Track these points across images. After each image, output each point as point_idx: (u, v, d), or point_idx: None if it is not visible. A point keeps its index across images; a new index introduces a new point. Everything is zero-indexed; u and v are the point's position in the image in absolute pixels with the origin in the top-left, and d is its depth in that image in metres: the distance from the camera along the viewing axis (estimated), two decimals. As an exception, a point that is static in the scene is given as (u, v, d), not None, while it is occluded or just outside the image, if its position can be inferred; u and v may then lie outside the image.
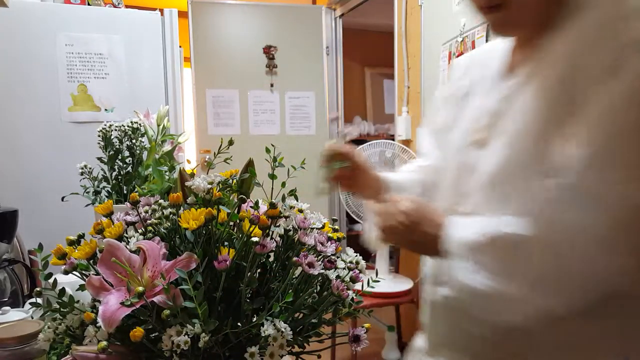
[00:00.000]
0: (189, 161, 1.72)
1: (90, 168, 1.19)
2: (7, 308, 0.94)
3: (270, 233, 0.52)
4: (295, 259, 0.48)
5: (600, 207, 0.54)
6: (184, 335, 0.43)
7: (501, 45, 0.74)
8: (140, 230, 0.54)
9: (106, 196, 1.19)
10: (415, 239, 0.64)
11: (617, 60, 0.53)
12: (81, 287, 0.49)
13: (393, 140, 2.62)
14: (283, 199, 0.55)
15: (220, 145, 0.63)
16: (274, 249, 0.49)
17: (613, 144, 0.54)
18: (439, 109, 0.84)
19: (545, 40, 0.63)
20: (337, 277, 0.52)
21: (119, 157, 1.21)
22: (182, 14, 2.76)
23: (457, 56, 2.30)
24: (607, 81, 0.54)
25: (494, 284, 0.58)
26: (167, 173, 1.11)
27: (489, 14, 0.65)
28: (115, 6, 2.44)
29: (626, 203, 0.53)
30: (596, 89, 0.55)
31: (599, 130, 0.54)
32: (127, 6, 2.50)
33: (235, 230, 0.52)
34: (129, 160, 1.23)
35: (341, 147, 0.83)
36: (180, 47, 2.44)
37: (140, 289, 0.43)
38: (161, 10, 2.34)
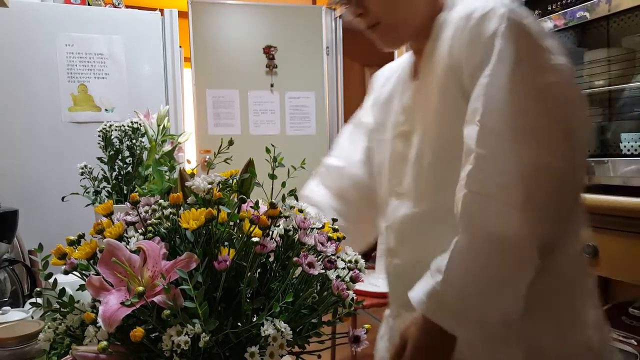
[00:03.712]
0: (189, 161, 1.72)
1: (90, 168, 1.19)
2: (7, 308, 0.94)
3: (270, 233, 0.51)
4: (295, 259, 0.48)
5: (507, 181, 0.63)
6: (184, 335, 0.42)
7: (408, 59, 0.93)
8: (140, 230, 0.54)
9: (106, 196, 1.19)
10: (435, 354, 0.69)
11: (487, 50, 0.68)
12: (81, 287, 0.49)
13: (393, 140, 2.62)
14: (283, 199, 0.55)
15: (220, 145, 0.63)
16: (274, 249, 0.49)
17: (500, 116, 0.65)
18: (368, 112, 1.00)
19: (428, 48, 0.80)
20: (337, 277, 0.52)
21: (119, 157, 1.21)
22: (182, 14, 2.76)
23: (457, 56, 2.30)
24: (485, 66, 0.67)
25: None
26: (167, 173, 1.11)
27: (372, 34, 0.83)
28: (115, 6, 2.44)
29: (528, 167, 0.63)
30: (479, 74, 0.68)
31: (486, 106, 0.66)
32: (127, 6, 2.50)
33: (235, 230, 0.52)
34: (129, 160, 1.23)
35: None
36: (180, 47, 2.44)
37: (140, 289, 0.43)
38: (161, 10, 2.34)
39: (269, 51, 3.73)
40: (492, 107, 0.65)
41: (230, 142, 0.64)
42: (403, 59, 0.96)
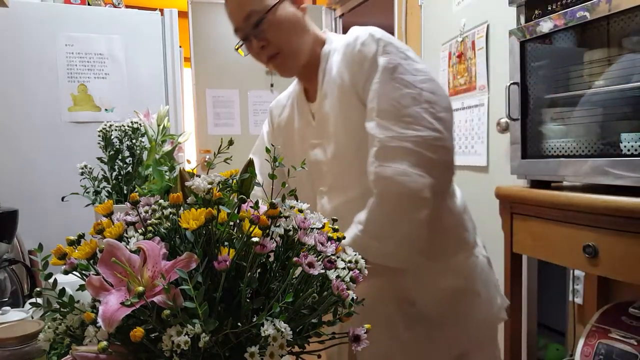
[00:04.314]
0: (189, 161, 1.72)
1: (90, 168, 1.19)
2: (7, 308, 0.94)
3: (270, 233, 0.51)
4: (295, 259, 0.48)
5: (402, 152, 0.88)
6: (184, 335, 0.42)
7: (296, 87, 1.13)
8: (140, 230, 0.53)
9: (106, 196, 1.19)
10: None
11: (371, 68, 0.93)
12: (81, 287, 0.49)
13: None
14: (283, 199, 0.55)
15: (220, 145, 0.63)
16: (274, 249, 0.49)
17: (389, 109, 0.90)
18: (266, 139, 1.21)
19: (320, 74, 1.02)
20: (337, 277, 0.52)
21: (119, 157, 1.21)
22: (182, 14, 2.76)
23: (457, 56, 2.31)
24: (371, 80, 0.93)
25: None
26: (167, 173, 1.11)
27: (273, 62, 1.01)
28: (115, 6, 2.44)
29: (414, 140, 0.88)
30: (367, 86, 0.93)
31: (379, 104, 0.91)
32: (127, 6, 2.50)
33: (235, 231, 0.52)
34: (129, 160, 1.23)
35: None
36: (180, 47, 2.44)
37: (140, 289, 0.43)
38: (161, 10, 2.34)
39: (269, 51, 3.72)
40: (383, 104, 0.91)
41: (230, 142, 0.64)
42: (292, 88, 1.17)
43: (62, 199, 1.17)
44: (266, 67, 1.04)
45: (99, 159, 1.20)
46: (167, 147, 1.21)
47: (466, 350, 1.03)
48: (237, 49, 1.04)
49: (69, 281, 0.55)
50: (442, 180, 0.92)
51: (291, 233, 0.53)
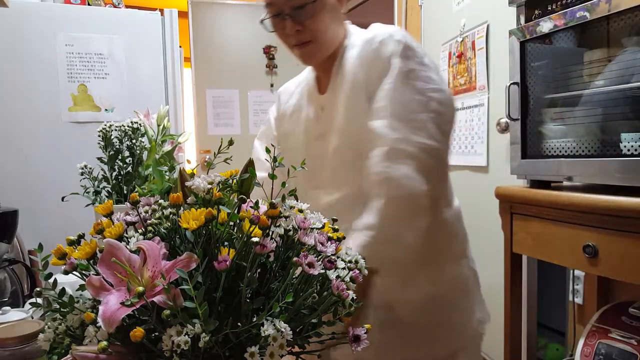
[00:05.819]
0: (189, 161, 1.72)
1: (90, 168, 1.19)
2: (7, 308, 0.94)
3: (270, 233, 0.51)
4: (295, 259, 0.48)
5: (408, 156, 0.87)
6: (184, 335, 0.42)
7: (309, 75, 1.12)
8: (140, 230, 0.53)
9: (106, 196, 1.19)
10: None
11: (385, 68, 0.93)
12: (81, 287, 0.49)
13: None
14: (283, 199, 0.55)
15: (220, 145, 0.63)
16: (274, 249, 0.49)
17: (400, 110, 0.90)
18: (273, 125, 1.19)
19: (335, 67, 1.01)
20: (337, 277, 0.52)
21: (119, 157, 1.21)
22: (182, 14, 2.76)
23: (457, 56, 2.31)
24: (383, 79, 0.92)
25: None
26: (167, 173, 1.11)
27: (301, 49, 0.98)
28: (115, 6, 2.44)
29: (419, 146, 0.88)
30: (380, 82, 0.92)
31: (391, 105, 0.90)
32: (127, 6, 2.50)
33: (235, 231, 0.52)
34: (129, 160, 1.23)
35: None
36: (180, 47, 2.44)
37: (140, 289, 0.43)
38: (161, 10, 2.34)
39: (269, 51, 3.73)
40: (395, 105, 0.90)
41: (230, 142, 0.64)
42: (303, 75, 1.15)
43: (62, 199, 1.17)
44: (289, 48, 1.01)
45: (99, 159, 1.20)
46: (167, 147, 1.21)
47: (454, 350, 1.02)
48: (262, 21, 0.98)
49: (69, 281, 0.55)
50: (437, 190, 0.93)
51: (291, 233, 0.53)
